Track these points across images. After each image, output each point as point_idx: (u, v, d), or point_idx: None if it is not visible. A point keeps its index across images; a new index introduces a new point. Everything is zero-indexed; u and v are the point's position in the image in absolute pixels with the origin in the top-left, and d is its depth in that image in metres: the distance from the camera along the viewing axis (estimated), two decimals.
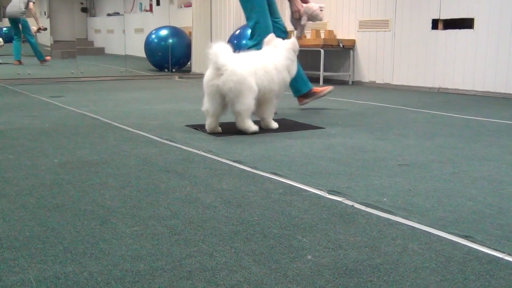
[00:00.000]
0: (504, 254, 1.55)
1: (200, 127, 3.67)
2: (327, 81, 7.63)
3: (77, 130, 3.58)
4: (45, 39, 14.15)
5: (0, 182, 2.29)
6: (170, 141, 3.22)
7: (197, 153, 2.89)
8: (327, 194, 2.14)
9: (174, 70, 9.21)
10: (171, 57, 9.17)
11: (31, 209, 1.94)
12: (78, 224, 1.78)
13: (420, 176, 2.42)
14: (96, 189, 2.20)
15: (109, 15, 16.90)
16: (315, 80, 7.67)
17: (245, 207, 1.98)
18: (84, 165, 2.61)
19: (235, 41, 7.22)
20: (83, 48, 15.29)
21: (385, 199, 2.08)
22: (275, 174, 2.45)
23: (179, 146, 3.08)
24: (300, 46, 8.19)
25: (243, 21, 7.82)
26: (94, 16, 18.35)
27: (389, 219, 1.85)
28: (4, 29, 14.10)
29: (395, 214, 1.90)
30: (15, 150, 2.93)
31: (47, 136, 3.35)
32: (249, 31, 7.16)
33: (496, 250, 1.58)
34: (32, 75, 8.11)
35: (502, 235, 1.70)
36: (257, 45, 4.24)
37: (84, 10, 18.53)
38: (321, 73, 7.42)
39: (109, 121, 3.97)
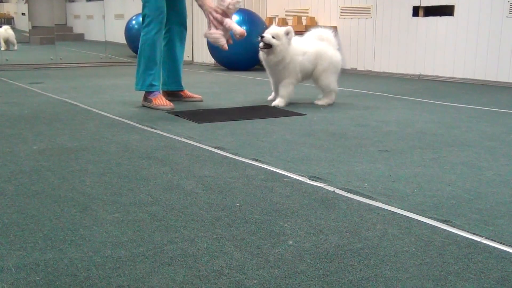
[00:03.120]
0: (482, 238, 1.57)
1: (181, 114, 3.65)
2: None
3: (56, 117, 3.53)
4: (23, 24, 13.91)
5: None
6: (151, 127, 3.20)
7: (178, 140, 2.88)
8: (308, 180, 2.15)
9: None
10: None
11: (10, 196, 1.92)
12: (58, 211, 1.77)
13: (401, 162, 2.44)
14: (76, 175, 2.18)
15: (88, 0, 16.66)
16: None
17: (226, 193, 1.98)
18: (64, 151, 2.59)
19: None
20: (62, 34, 15.06)
21: (365, 184, 2.09)
22: (256, 160, 2.45)
23: (160, 132, 3.06)
24: None
25: None
26: (73, 1, 18.06)
27: (369, 205, 1.86)
28: None
29: (376, 200, 1.91)
30: None
31: (26, 123, 3.31)
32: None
33: (474, 234, 1.60)
34: (10, 61, 7.98)
35: (480, 219, 1.72)
36: (149, 26, 3.89)
37: None
38: None
39: (89, 108, 3.93)
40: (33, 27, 13.59)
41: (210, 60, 8.05)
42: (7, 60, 8.01)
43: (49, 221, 1.68)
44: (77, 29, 17.20)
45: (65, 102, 4.20)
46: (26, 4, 12.75)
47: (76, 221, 1.68)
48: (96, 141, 2.82)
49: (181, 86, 4.38)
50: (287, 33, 3.89)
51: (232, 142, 2.81)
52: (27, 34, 12.72)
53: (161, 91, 4.08)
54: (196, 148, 2.69)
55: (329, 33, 4.15)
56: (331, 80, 4.11)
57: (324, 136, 2.99)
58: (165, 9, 3.95)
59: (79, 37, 16.18)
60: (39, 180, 2.11)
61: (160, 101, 3.95)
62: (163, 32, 4.01)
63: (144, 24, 3.94)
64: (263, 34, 3.91)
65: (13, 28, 10.48)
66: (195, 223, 1.67)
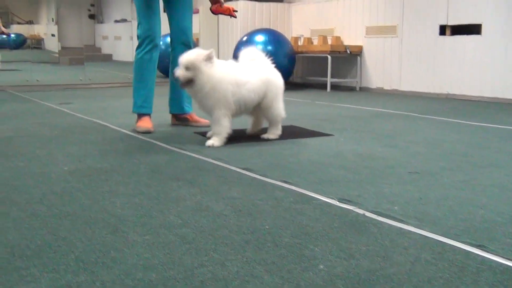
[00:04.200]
0: None
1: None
2: (335, 87, 7.62)
3: (86, 138, 3.59)
4: (53, 45, 14.21)
5: (10, 190, 2.30)
6: (180, 148, 3.22)
7: (207, 161, 2.89)
8: (337, 202, 2.14)
9: None
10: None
11: (42, 217, 1.95)
12: (89, 233, 1.79)
13: (430, 184, 2.41)
14: (107, 197, 2.20)
15: (116, 21, 16.99)
16: (322, 86, 7.67)
17: (255, 215, 1.97)
18: (94, 172, 2.62)
19: (242, 48, 7.22)
20: (91, 54, 15.35)
21: (396, 207, 2.07)
22: (285, 182, 2.44)
23: (189, 153, 3.08)
24: (307, 52, 8.15)
25: (250, 27, 7.84)
26: (101, 22, 18.45)
27: (401, 228, 1.84)
28: (12, 35, 14.18)
29: (407, 223, 1.89)
30: (24, 158, 2.94)
31: (57, 144, 3.36)
32: (256, 38, 7.19)
33: (509, 259, 1.57)
34: (41, 81, 8.14)
35: None
36: (140, 47, 3.89)
37: (91, 16, 18.63)
38: (329, 80, 7.41)
39: (118, 128, 3.97)
40: (62, 47, 13.89)
41: None
42: (37, 80, 8.19)
43: (81, 242, 1.70)
44: (106, 50, 17.52)
45: (94, 123, 4.26)
46: (56, 26, 13.05)
47: (107, 243, 1.70)
48: (126, 162, 2.85)
49: (184, 109, 4.14)
50: (207, 58, 3.21)
51: (259, 163, 2.81)
52: (57, 55, 12.98)
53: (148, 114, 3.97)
54: (225, 169, 2.70)
55: (261, 53, 3.64)
56: (281, 107, 3.50)
57: (351, 157, 2.97)
58: (158, 27, 3.91)
59: (108, 58, 16.47)
60: (70, 201, 2.14)
61: (140, 122, 3.88)
62: (157, 51, 3.95)
63: (137, 45, 3.95)
64: (176, 74, 3.23)
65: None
66: (225, 246, 1.67)
